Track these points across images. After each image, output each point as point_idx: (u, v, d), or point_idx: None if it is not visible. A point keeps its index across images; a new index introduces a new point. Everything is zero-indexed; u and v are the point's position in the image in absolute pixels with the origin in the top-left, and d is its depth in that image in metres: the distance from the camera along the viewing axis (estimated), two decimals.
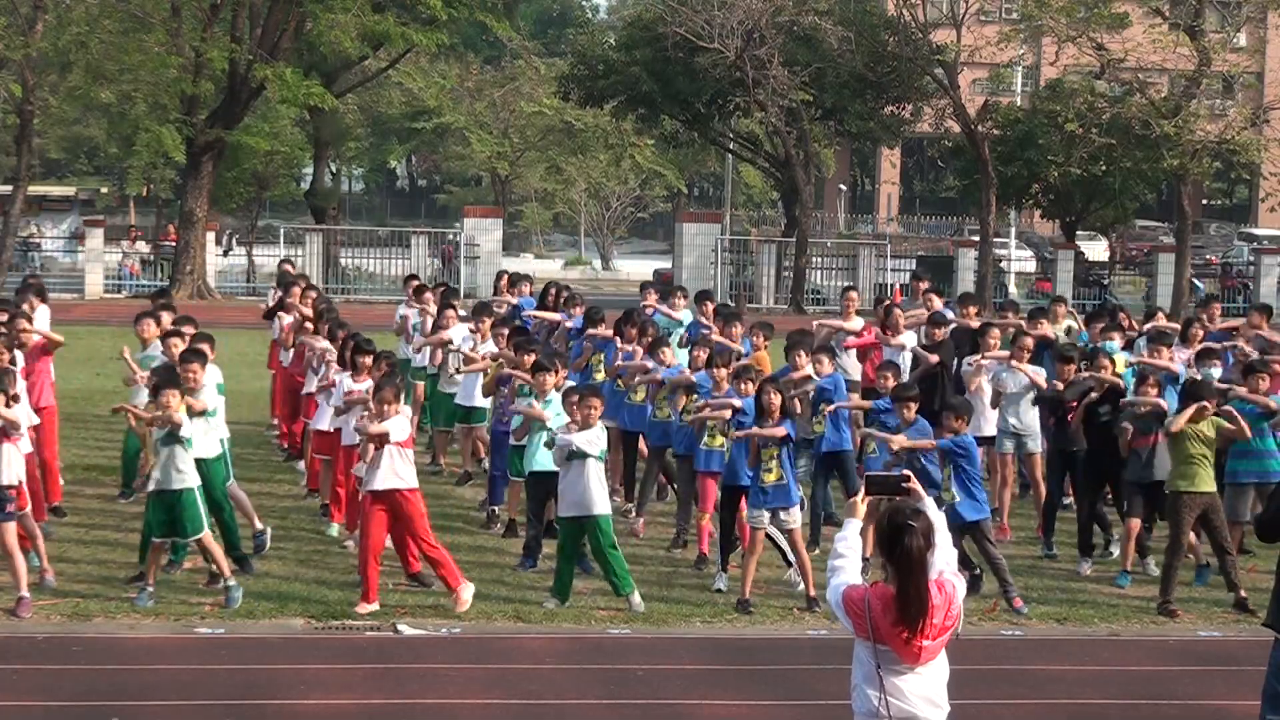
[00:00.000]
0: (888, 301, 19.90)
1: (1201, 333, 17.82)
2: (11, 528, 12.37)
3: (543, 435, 13.81)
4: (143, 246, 50.61)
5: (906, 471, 7.24)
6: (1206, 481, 13.50)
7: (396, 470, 12.71)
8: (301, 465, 17.64)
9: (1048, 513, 15.71)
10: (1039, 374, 15.89)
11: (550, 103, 56.92)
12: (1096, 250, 57.64)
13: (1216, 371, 15.77)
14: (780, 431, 13.19)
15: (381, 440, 12.59)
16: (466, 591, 12.81)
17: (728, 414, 13.85)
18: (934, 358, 17.12)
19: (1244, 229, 66.55)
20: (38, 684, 10.87)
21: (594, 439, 12.93)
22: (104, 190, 70.08)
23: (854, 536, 7.09)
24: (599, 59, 47.25)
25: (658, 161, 61.91)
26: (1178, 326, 18.39)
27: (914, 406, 13.97)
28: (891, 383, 14.59)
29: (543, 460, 13.83)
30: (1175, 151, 40.50)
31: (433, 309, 18.81)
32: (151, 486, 12.74)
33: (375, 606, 12.63)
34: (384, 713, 10.58)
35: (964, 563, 12.56)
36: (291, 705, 10.62)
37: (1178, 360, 16.38)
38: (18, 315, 15.75)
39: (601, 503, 12.99)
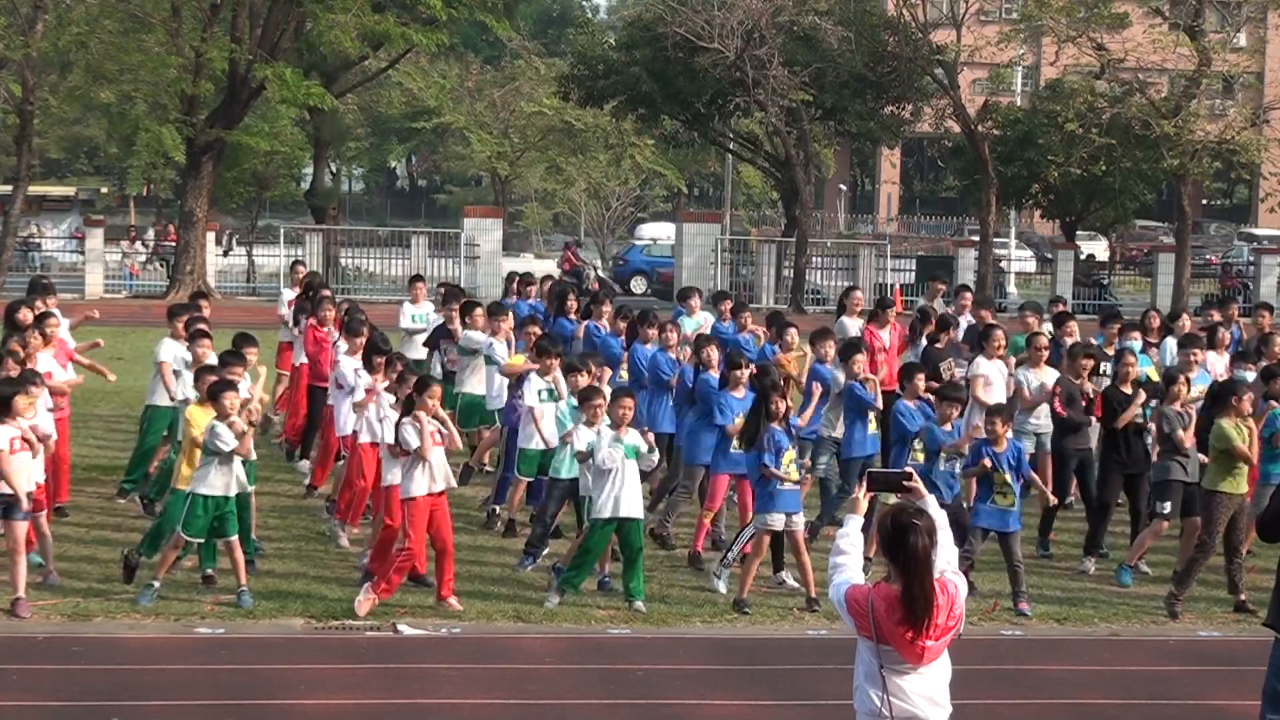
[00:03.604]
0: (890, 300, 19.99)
1: (1229, 336, 17.84)
2: (22, 527, 12.37)
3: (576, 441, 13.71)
4: (142, 247, 50.68)
5: (909, 469, 7.23)
6: (1243, 483, 13.49)
7: (446, 474, 12.80)
8: (303, 465, 17.63)
9: (1050, 513, 15.69)
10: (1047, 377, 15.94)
11: (550, 103, 56.89)
12: (1096, 250, 57.68)
13: (1250, 375, 15.81)
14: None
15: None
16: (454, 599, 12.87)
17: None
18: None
19: (1244, 229, 66.53)
20: (38, 684, 10.86)
21: (646, 445, 13.22)
22: (104, 190, 70.11)
23: (856, 534, 7.09)
24: (599, 59, 47.24)
25: (658, 161, 61.88)
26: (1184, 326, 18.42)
27: (959, 407, 13.96)
28: (921, 384, 14.54)
29: (572, 466, 13.78)
30: (1175, 151, 40.52)
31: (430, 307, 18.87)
32: (211, 491, 12.61)
33: (370, 606, 12.59)
34: (384, 713, 10.57)
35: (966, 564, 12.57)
36: (291, 705, 10.61)
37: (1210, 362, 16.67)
38: (46, 316, 15.78)
39: (640, 505, 13.07)
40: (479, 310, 17.50)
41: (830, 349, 15.60)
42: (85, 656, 11.51)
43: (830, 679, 10.87)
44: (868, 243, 51.75)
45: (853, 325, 18.86)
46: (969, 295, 20.38)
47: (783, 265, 45.87)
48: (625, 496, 12.87)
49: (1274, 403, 14.55)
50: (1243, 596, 13.62)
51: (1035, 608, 13.48)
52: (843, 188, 77.44)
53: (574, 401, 14.04)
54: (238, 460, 12.77)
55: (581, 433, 13.23)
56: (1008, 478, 13.36)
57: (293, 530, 15.42)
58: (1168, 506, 14.25)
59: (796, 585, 13.70)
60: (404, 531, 12.66)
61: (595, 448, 12.96)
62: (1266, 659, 8.94)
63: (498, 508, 15.80)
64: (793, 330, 16.80)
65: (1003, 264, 50.37)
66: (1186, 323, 18.70)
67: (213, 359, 14.57)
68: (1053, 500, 15.30)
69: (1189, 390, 14.53)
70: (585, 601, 13.17)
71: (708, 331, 17.31)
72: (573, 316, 18.58)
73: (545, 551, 14.25)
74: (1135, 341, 17.13)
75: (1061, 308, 19.86)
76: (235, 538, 12.77)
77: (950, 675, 6.92)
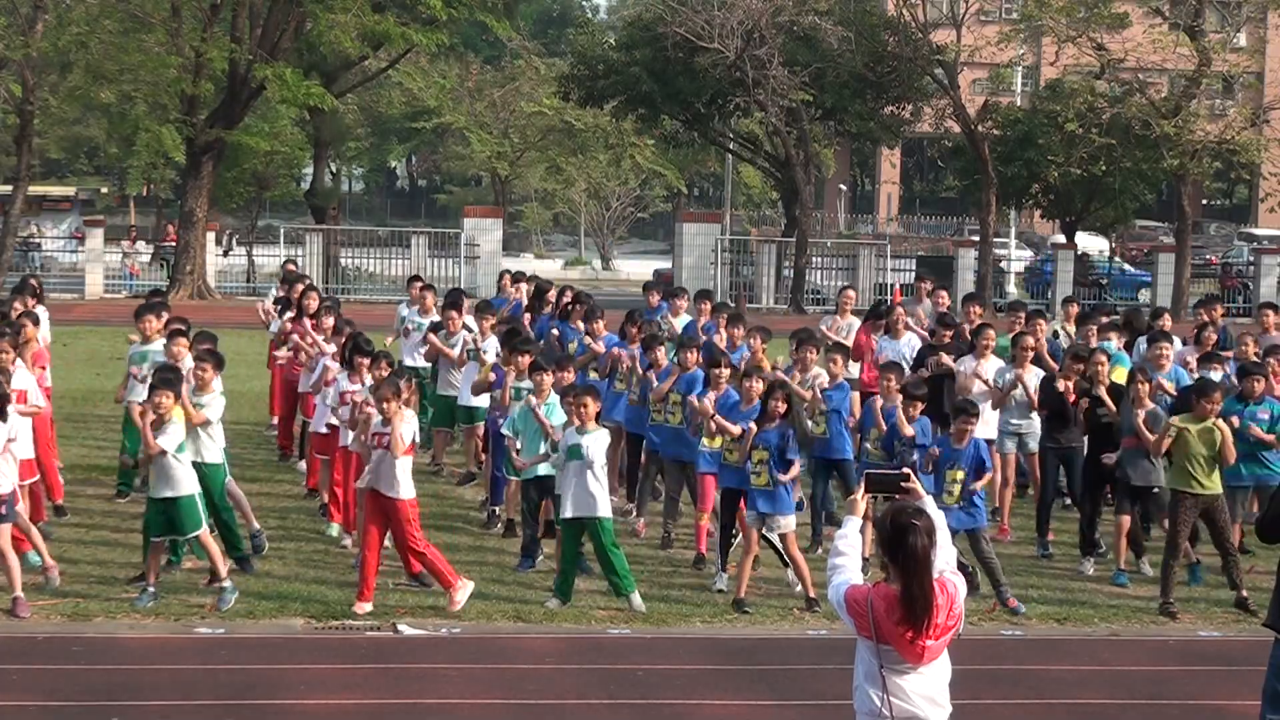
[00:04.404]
0: (889, 301, 19.99)
1: (1215, 337, 17.83)
2: (7, 530, 12.35)
3: (540, 441, 13.76)
4: (143, 246, 50.72)
5: (906, 470, 7.23)
6: (1209, 483, 13.47)
7: (392, 478, 12.68)
8: (303, 465, 17.63)
9: (1041, 512, 15.70)
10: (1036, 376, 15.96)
11: (550, 103, 56.96)
12: (1092, 250, 57.63)
13: (1217, 375, 15.78)
14: (734, 430, 13.40)
15: (384, 444, 12.67)
16: (462, 593, 12.77)
17: (736, 430, 13.69)
18: (947, 361, 17.00)
19: (1244, 229, 66.57)
20: (38, 684, 10.87)
21: (599, 445, 12.99)
22: (104, 190, 70.17)
23: (854, 535, 7.09)
24: (599, 59, 47.28)
25: (658, 161, 61.94)
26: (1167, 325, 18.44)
27: (920, 406, 14.01)
28: (895, 384, 14.55)
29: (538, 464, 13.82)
30: (1175, 151, 40.55)
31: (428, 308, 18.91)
32: (150, 493, 12.72)
33: (369, 607, 12.61)
34: (384, 713, 10.57)
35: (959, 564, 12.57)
36: (291, 705, 10.62)
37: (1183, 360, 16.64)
38: (25, 316, 15.76)
39: (603, 504, 12.99)
40: (454, 314, 17.51)
41: (812, 354, 15.48)
42: (85, 656, 11.51)
43: (830, 679, 10.87)
44: (868, 243, 51.79)
45: (845, 325, 18.88)
46: (944, 294, 20.37)
47: (783, 265, 45.91)
48: (579, 497, 12.87)
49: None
50: (1244, 593, 13.61)
51: (1035, 608, 13.48)
52: (843, 188, 77.47)
53: (535, 401, 14.10)
54: (175, 461, 12.61)
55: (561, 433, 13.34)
56: (958, 475, 13.35)
57: (293, 530, 15.42)
58: (1115, 504, 14.47)
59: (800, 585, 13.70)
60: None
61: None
62: (1266, 659, 8.94)
63: (497, 508, 15.81)
64: (739, 330, 16.86)
65: (1003, 264, 50.40)
66: (1167, 322, 18.68)
67: (187, 358, 14.64)
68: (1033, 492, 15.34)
69: (1149, 389, 14.52)
70: (585, 601, 13.17)
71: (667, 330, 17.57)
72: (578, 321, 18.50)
73: (542, 554, 14.26)
74: (1110, 341, 17.09)
75: (1075, 308, 19.89)
76: (199, 533, 12.73)
77: (950, 675, 6.92)
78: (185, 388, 13.19)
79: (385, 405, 12.66)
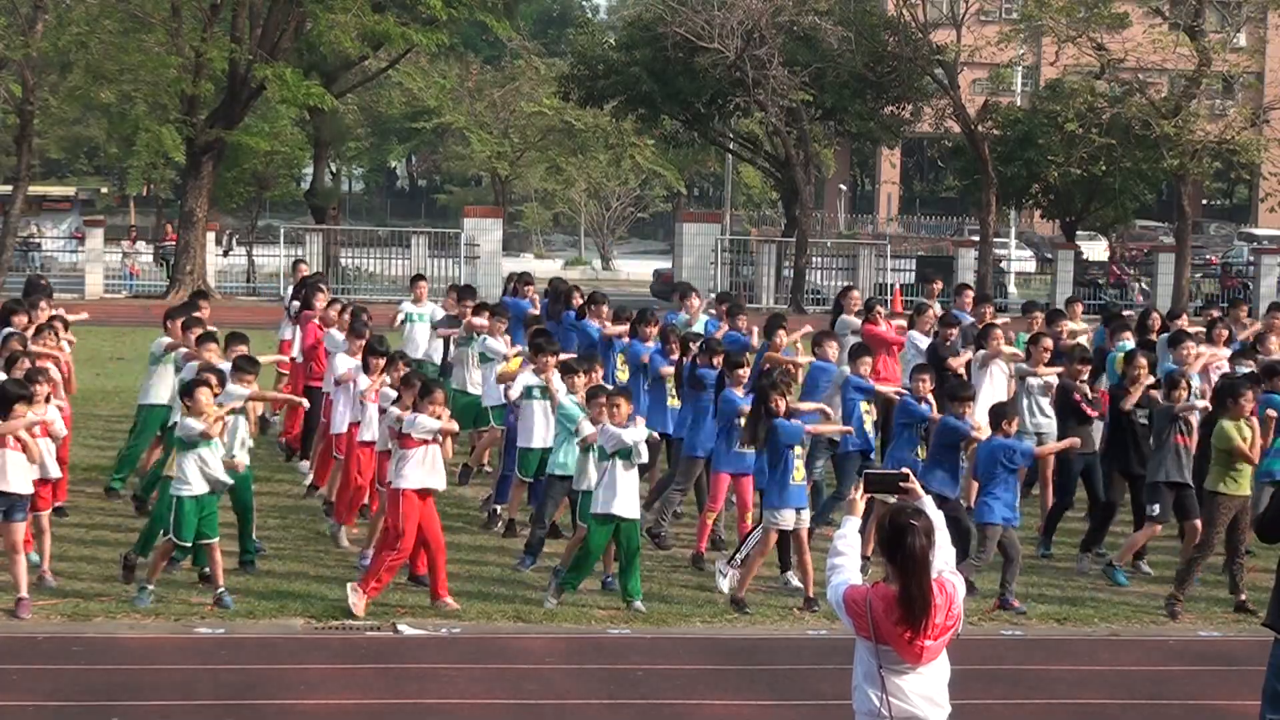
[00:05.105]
0: (888, 300, 20.10)
1: (1226, 333, 17.86)
2: (20, 528, 12.36)
3: (569, 439, 13.77)
4: (143, 246, 50.71)
5: (905, 470, 7.23)
6: (1244, 484, 13.48)
7: (440, 469, 12.80)
8: (304, 465, 17.62)
9: (1054, 514, 15.63)
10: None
11: (550, 103, 56.92)
12: (1096, 250, 57.65)
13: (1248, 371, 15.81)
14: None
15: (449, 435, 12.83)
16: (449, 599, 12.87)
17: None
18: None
19: (1244, 229, 66.54)
20: (38, 684, 10.87)
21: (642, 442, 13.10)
22: (104, 190, 70.14)
23: (853, 534, 7.09)
24: (599, 59, 47.28)
25: (658, 161, 61.91)
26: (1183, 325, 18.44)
27: (973, 406, 14.00)
28: (930, 386, 14.48)
29: (568, 463, 13.80)
30: (1175, 151, 40.54)
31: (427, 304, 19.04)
32: (193, 491, 12.58)
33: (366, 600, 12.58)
34: (384, 713, 10.58)
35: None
36: (291, 705, 10.62)
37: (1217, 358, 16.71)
38: (56, 319, 15.87)
39: (636, 505, 13.08)
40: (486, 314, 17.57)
41: (833, 349, 15.55)
42: (85, 656, 11.51)
43: (830, 679, 10.87)
44: (868, 243, 51.79)
45: (853, 324, 18.90)
46: (970, 293, 20.41)
47: (783, 265, 45.91)
48: (620, 496, 12.87)
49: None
50: (1243, 596, 13.62)
51: (1035, 608, 13.48)
52: (843, 188, 77.46)
53: (575, 399, 14.08)
54: (215, 459, 12.68)
55: (585, 429, 13.32)
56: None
57: (293, 530, 15.42)
58: (1156, 509, 14.20)
59: (801, 586, 13.68)
60: (398, 530, 12.64)
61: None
62: (1266, 659, 8.94)
63: (499, 507, 15.79)
64: (744, 318, 17.23)
65: (1003, 264, 50.40)
66: (1185, 321, 18.70)
67: (218, 361, 14.63)
68: (1050, 500, 15.25)
69: (1189, 393, 14.50)
70: (585, 601, 13.18)
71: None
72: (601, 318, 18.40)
73: (544, 551, 14.26)
74: (1127, 342, 17.09)
75: (1080, 308, 19.92)
76: (216, 540, 12.74)
77: (949, 675, 6.92)
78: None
79: (435, 408, 12.67)
